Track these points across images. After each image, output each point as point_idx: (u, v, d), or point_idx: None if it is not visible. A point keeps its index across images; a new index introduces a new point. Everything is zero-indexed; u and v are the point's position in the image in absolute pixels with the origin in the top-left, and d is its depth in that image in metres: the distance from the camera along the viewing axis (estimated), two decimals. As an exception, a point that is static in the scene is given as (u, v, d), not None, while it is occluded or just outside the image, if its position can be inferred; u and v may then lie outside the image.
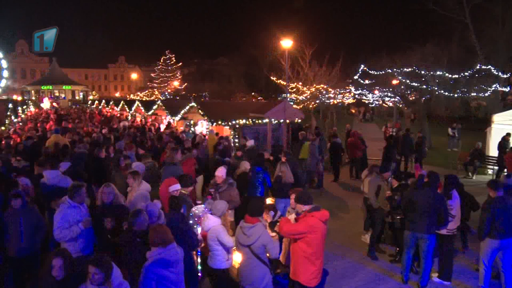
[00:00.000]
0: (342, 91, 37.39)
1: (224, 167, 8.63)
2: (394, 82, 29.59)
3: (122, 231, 6.08)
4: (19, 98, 66.30)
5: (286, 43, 21.64)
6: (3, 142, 13.96)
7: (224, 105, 22.40)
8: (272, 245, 5.83)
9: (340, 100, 39.37)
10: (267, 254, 5.86)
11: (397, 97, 31.60)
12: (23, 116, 28.66)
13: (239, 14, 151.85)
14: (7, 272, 7.26)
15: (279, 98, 45.69)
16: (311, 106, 31.15)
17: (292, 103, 28.91)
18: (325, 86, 30.57)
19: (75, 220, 6.22)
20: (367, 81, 34.31)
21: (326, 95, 32.63)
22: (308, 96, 30.77)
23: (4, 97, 59.97)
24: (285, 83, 26.86)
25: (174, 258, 4.95)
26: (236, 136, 16.82)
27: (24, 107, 32.66)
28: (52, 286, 4.26)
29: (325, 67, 30.46)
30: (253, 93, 61.53)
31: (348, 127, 21.08)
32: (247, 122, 16.98)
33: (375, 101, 47.01)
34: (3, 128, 16.80)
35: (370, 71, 30.76)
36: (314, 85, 29.78)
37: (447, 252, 7.91)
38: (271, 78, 35.71)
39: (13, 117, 21.44)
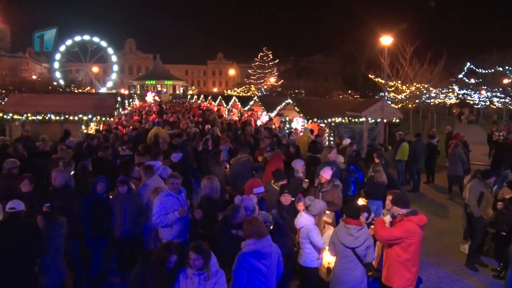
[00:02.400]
0: (445, 91, 35.39)
1: (330, 167, 8.48)
2: (506, 81, 27.43)
3: (215, 223, 6.31)
4: (126, 92, 71.31)
5: (386, 40, 20.98)
6: (112, 133, 15.05)
7: (320, 102, 22.23)
8: (373, 249, 5.72)
9: (442, 100, 37.30)
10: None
11: (508, 98, 29.20)
12: (129, 108, 30.63)
13: (337, 10, 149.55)
14: (111, 251, 7.89)
15: (376, 97, 44.40)
16: (410, 105, 29.87)
17: (390, 102, 27.93)
18: (426, 85, 29.15)
19: (172, 208, 6.60)
20: (473, 80, 32.22)
21: (427, 95, 31.09)
22: (408, 96, 29.53)
23: (114, 91, 64.79)
24: (383, 82, 26.06)
25: (267, 250, 5.02)
26: (332, 135, 16.64)
27: (130, 100, 34.86)
28: (163, 274, 4.58)
29: (426, 65, 29.03)
30: (349, 91, 60.37)
31: (448, 128, 19.97)
32: (343, 121, 16.71)
33: (481, 102, 43.95)
34: (112, 119, 18.04)
35: (477, 70, 28.83)
36: (414, 84, 28.50)
37: None
38: (369, 76, 34.76)
39: (120, 110, 22.96)
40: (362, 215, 6.48)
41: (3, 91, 33.31)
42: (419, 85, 28.48)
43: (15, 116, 15.22)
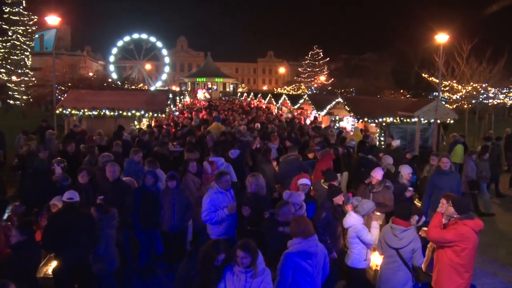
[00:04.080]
0: (505, 91, 33.74)
1: (381, 168, 8.31)
2: None
3: (261, 220, 6.32)
4: (177, 89, 72.71)
5: (441, 37, 20.27)
6: (163, 128, 15.38)
7: (371, 101, 21.81)
8: (420, 252, 5.56)
9: (502, 101, 35.57)
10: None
11: None
12: (179, 105, 31.19)
13: (390, 7, 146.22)
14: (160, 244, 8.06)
15: (429, 97, 43.06)
16: (465, 106, 28.74)
17: (444, 102, 26.98)
18: (484, 85, 27.92)
19: (221, 205, 6.64)
20: (538, 79, 30.40)
21: (484, 95, 29.75)
22: (463, 96, 28.42)
23: (165, 88, 66.31)
24: (437, 81, 25.22)
25: (313, 250, 4.99)
26: (382, 135, 16.30)
27: (181, 97, 35.52)
28: (210, 271, 4.61)
29: (485, 63, 27.78)
30: (401, 91, 58.90)
31: (508, 131, 19.05)
32: (395, 121, 16.32)
33: (547, 102, 41.46)
34: (163, 115, 18.40)
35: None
36: (471, 83, 27.38)
37: None
38: (422, 75, 33.73)
39: (172, 106, 23.39)
40: (413, 217, 6.31)
41: (63, 88, 34.79)
42: (476, 85, 27.32)
43: (73, 112, 15.87)
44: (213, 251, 4.61)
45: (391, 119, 16.29)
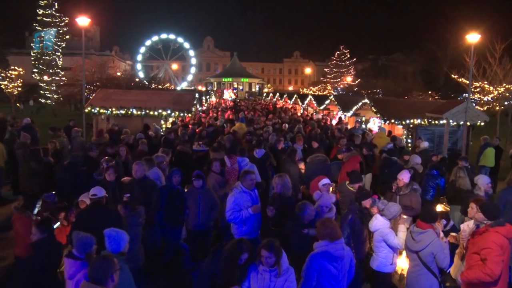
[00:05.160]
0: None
1: (408, 171, 8.18)
2: None
3: (286, 220, 6.28)
4: (203, 89, 73.19)
5: (473, 37, 19.79)
6: (189, 127, 15.47)
7: (398, 103, 21.50)
8: (442, 254, 5.39)
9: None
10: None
11: None
12: (206, 105, 31.38)
13: (419, 6, 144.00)
14: (185, 242, 8.11)
15: (459, 98, 42.15)
16: (497, 108, 27.98)
17: (474, 104, 26.33)
18: (517, 86, 27.11)
19: (245, 204, 6.64)
20: None
21: (517, 96, 28.89)
22: (495, 97, 27.68)
23: (192, 87, 66.89)
24: (468, 82, 24.66)
25: (339, 253, 4.94)
26: (410, 137, 16.03)
27: (207, 96, 35.71)
28: (233, 270, 4.64)
29: (519, 63, 26.93)
30: (430, 92, 57.82)
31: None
32: (422, 122, 16.02)
33: None
34: (189, 115, 18.51)
35: None
36: (504, 84, 26.63)
37: None
38: (452, 76, 33.03)
39: (198, 106, 23.53)
40: (440, 222, 6.18)
41: (92, 87, 35.47)
42: (510, 86, 26.57)
43: (101, 110, 16.13)
44: (236, 250, 4.63)
45: (419, 121, 16.00)
